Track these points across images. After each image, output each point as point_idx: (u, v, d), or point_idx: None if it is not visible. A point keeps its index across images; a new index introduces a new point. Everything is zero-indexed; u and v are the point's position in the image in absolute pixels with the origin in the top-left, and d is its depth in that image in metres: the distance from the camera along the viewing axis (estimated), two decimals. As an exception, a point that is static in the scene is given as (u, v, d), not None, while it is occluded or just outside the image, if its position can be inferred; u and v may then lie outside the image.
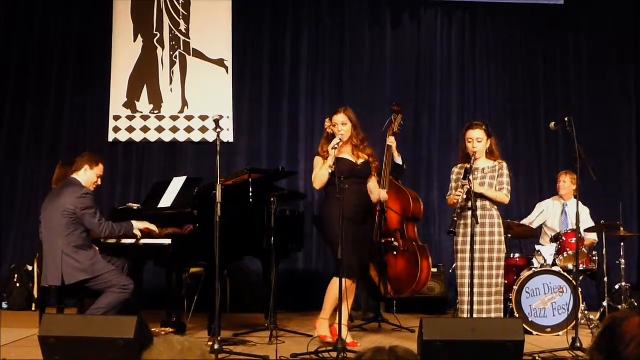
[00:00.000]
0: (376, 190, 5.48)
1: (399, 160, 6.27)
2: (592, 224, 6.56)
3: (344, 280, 4.92)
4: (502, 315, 5.12)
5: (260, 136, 8.01)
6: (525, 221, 6.85)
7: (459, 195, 4.90)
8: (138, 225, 5.35)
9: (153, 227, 5.40)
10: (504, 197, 5.06)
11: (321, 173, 5.21)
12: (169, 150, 7.97)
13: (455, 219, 4.91)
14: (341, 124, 5.27)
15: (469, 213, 4.84)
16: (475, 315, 4.84)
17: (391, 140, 6.12)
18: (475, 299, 4.87)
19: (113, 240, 5.47)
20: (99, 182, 5.44)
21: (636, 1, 8.18)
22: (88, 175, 5.29)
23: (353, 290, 5.32)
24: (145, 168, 7.95)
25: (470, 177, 4.85)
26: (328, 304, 5.20)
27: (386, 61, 8.16)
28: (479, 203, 4.94)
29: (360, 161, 5.31)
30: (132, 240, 5.42)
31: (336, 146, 5.14)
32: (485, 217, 4.98)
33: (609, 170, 7.84)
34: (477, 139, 5.07)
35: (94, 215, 5.14)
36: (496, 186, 5.06)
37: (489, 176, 5.06)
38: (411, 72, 8.17)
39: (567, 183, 6.76)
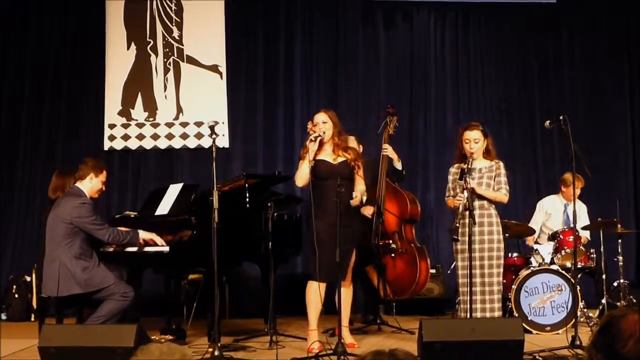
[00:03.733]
0: (356, 191, 5.15)
1: (398, 165, 6.26)
2: (588, 222, 6.57)
3: (318, 283, 4.94)
4: (501, 313, 5.16)
5: (255, 141, 8.00)
6: (532, 223, 6.77)
7: (460, 201, 4.92)
8: (144, 236, 5.23)
9: (159, 240, 5.25)
10: (503, 196, 5.10)
11: (301, 169, 5.11)
12: (164, 157, 7.96)
13: (457, 225, 4.92)
14: (322, 123, 5.15)
15: (466, 213, 4.87)
16: (479, 315, 4.87)
17: (387, 148, 6.12)
18: (479, 297, 4.90)
19: (111, 249, 5.43)
20: (104, 188, 5.42)
21: (629, 0, 8.19)
22: (93, 183, 5.26)
23: (350, 294, 5.30)
24: (141, 175, 7.93)
25: (467, 178, 4.87)
26: (310, 312, 5.09)
27: (380, 62, 8.16)
28: (476, 202, 4.97)
29: (339, 160, 5.12)
30: (131, 248, 5.39)
31: (313, 139, 5.00)
32: (484, 217, 5.01)
33: (605, 168, 7.86)
34: (474, 140, 5.09)
35: (93, 222, 5.09)
36: (494, 186, 5.09)
37: (487, 176, 5.09)
38: (405, 73, 8.17)
39: (578, 188, 6.36)
